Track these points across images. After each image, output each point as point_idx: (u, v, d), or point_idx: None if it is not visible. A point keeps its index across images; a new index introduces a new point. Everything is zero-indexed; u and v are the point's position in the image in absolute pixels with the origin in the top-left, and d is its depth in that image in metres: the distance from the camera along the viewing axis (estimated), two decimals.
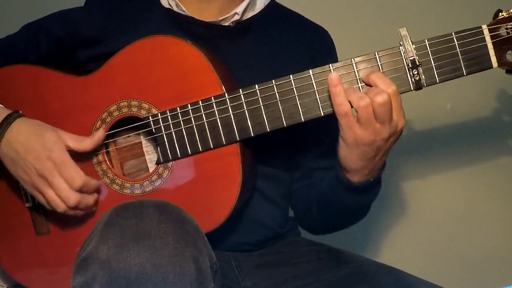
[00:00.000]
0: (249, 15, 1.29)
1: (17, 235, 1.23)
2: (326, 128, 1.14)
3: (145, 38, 1.16)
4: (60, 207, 1.13)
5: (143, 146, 1.22)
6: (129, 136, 1.21)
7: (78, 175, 1.12)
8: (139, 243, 0.92)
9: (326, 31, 1.35)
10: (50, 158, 1.12)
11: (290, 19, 1.34)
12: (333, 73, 1.07)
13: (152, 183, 1.16)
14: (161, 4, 1.27)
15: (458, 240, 1.73)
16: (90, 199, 1.15)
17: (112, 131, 1.19)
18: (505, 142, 1.70)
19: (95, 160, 1.19)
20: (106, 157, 1.19)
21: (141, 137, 1.21)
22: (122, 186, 1.17)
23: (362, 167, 1.11)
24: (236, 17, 1.25)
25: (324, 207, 1.25)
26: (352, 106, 1.06)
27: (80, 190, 1.13)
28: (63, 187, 1.12)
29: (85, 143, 1.16)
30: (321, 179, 1.26)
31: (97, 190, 1.17)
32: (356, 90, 1.06)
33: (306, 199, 1.29)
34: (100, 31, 1.24)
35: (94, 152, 1.18)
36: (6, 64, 1.25)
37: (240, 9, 1.25)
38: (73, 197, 1.12)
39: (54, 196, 1.13)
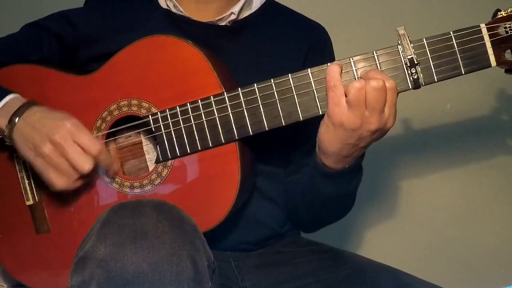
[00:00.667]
0: (245, 14, 1.30)
1: (17, 234, 1.24)
2: (317, 123, 1.13)
3: (145, 38, 1.16)
4: (59, 183, 1.13)
5: (143, 145, 1.22)
6: (129, 136, 1.22)
7: (94, 141, 1.12)
8: (137, 242, 0.92)
9: (322, 27, 1.35)
10: (64, 127, 1.11)
11: (286, 16, 1.35)
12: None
13: (151, 182, 1.16)
14: (159, 5, 1.28)
15: (457, 240, 1.72)
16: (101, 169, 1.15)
17: (112, 130, 1.19)
18: (504, 142, 1.69)
19: None
20: None
21: (141, 136, 1.22)
22: (121, 185, 1.18)
23: (337, 150, 1.09)
24: (233, 17, 1.26)
25: (306, 199, 1.24)
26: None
27: (97, 157, 1.13)
28: (77, 151, 1.11)
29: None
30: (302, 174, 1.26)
31: (111, 165, 1.16)
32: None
33: (293, 194, 1.29)
34: (100, 31, 1.25)
35: None
36: (8, 63, 1.26)
37: (236, 8, 1.26)
38: (88, 162, 1.11)
39: (59, 168, 1.12)
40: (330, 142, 1.09)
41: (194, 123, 1.13)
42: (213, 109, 1.12)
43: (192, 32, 1.24)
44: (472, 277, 1.69)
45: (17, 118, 1.14)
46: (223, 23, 1.27)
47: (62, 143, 1.11)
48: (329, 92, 1.06)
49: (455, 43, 1.06)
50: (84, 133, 1.12)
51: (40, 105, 1.16)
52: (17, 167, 1.23)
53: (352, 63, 1.08)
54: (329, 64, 1.08)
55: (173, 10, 1.27)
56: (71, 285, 0.96)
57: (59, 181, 1.13)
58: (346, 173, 1.14)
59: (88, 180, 1.16)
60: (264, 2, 1.32)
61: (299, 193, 1.25)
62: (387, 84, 1.04)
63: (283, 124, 1.11)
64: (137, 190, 1.17)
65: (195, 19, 1.26)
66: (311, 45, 1.29)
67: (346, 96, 1.05)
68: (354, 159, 1.12)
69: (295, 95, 1.10)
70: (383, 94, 1.03)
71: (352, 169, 1.14)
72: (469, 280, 1.68)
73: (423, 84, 1.08)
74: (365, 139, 1.07)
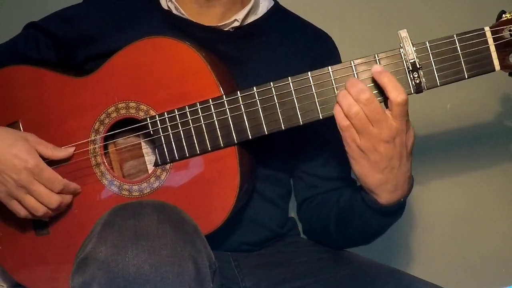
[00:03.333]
0: (251, 19, 1.26)
1: (17, 236, 1.24)
2: (327, 135, 1.12)
3: (143, 39, 1.14)
4: (40, 211, 1.17)
5: (142, 147, 1.21)
6: (129, 138, 1.21)
7: (57, 179, 1.16)
8: (138, 243, 0.92)
9: (329, 37, 1.32)
10: (26, 168, 1.14)
11: (293, 23, 1.31)
12: (342, 91, 1.03)
13: (150, 185, 1.16)
14: (161, 5, 1.26)
15: (458, 241, 1.72)
16: (69, 199, 1.19)
17: (111, 132, 1.18)
18: (505, 143, 1.68)
19: (93, 162, 1.18)
20: (104, 159, 1.19)
21: (141, 138, 1.21)
22: (120, 188, 1.17)
23: (382, 181, 1.05)
24: (236, 24, 1.23)
25: (346, 227, 1.20)
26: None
27: (60, 192, 1.17)
28: (44, 192, 1.15)
29: (56, 153, 1.19)
30: (337, 196, 1.22)
31: (76, 191, 1.20)
32: (346, 95, 1.02)
33: (322, 216, 1.25)
34: (98, 29, 1.23)
35: (93, 154, 1.18)
36: (5, 64, 1.25)
37: (240, 16, 1.23)
38: (54, 200, 1.16)
39: (34, 202, 1.16)
40: (367, 176, 1.05)
41: (193, 127, 1.12)
42: (212, 113, 1.11)
43: (194, 34, 1.21)
44: (472, 277, 1.69)
45: None
46: (226, 29, 1.24)
47: (27, 185, 1.15)
48: (343, 132, 1.03)
49: (458, 47, 1.03)
50: (45, 172, 1.15)
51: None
52: None
53: (353, 67, 1.06)
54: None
55: (174, 11, 1.24)
56: (73, 286, 0.96)
57: (22, 211, 1.18)
58: (400, 206, 1.11)
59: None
60: (271, 8, 1.29)
61: (333, 219, 1.21)
62: (398, 99, 1.00)
63: (283, 128, 1.09)
64: (135, 193, 1.16)
65: (196, 22, 1.23)
66: (318, 55, 1.26)
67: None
68: (404, 186, 1.08)
69: (295, 99, 1.08)
70: (375, 104, 1.01)
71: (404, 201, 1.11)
72: (469, 280, 1.68)
73: (425, 88, 1.05)
74: (392, 154, 1.03)
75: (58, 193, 1.17)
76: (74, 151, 1.19)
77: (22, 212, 1.18)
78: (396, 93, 1.00)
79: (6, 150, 1.15)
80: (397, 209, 1.11)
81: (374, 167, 1.04)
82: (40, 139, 1.19)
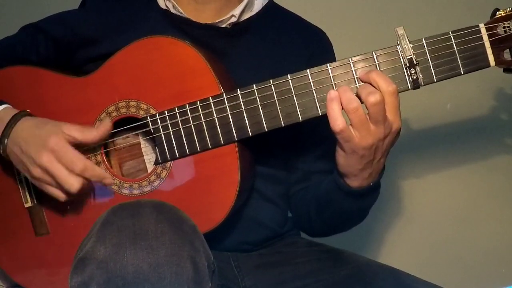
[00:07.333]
0: (246, 16, 1.28)
1: (16, 236, 1.24)
2: (323, 131, 1.13)
3: (143, 39, 1.16)
4: (60, 196, 1.13)
5: (141, 146, 1.22)
6: (128, 137, 1.22)
7: (78, 159, 1.10)
8: (136, 243, 0.92)
9: (324, 33, 1.34)
10: (47, 148, 1.10)
11: (288, 20, 1.33)
12: (332, 90, 1.06)
13: (150, 184, 1.16)
14: (159, 5, 1.27)
15: (457, 240, 1.73)
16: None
17: (111, 131, 1.18)
18: (504, 141, 1.69)
19: (93, 161, 1.19)
20: (104, 158, 1.19)
21: (140, 137, 1.22)
22: (120, 187, 1.18)
23: (360, 171, 1.10)
24: (233, 19, 1.25)
25: (323, 211, 1.24)
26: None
27: (82, 175, 1.11)
28: (63, 173, 1.10)
29: (90, 133, 1.13)
30: (318, 183, 1.26)
31: (102, 179, 1.12)
32: (347, 90, 1.05)
33: (304, 203, 1.28)
34: (98, 32, 1.24)
35: (93, 152, 1.19)
36: (5, 65, 1.25)
37: (237, 11, 1.25)
38: (75, 182, 1.10)
39: (54, 186, 1.12)
40: (350, 166, 1.10)
41: (193, 124, 1.13)
42: (212, 110, 1.12)
43: (192, 33, 1.23)
44: (472, 277, 1.69)
45: (6, 139, 1.15)
46: (223, 25, 1.26)
47: (48, 166, 1.10)
48: (336, 135, 1.06)
49: (454, 43, 1.06)
50: (67, 151, 1.10)
51: (26, 119, 1.16)
52: (15, 169, 1.22)
53: (352, 64, 1.08)
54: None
55: (172, 10, 1.26)
56: (71, 286, 0.96)
57: (59, 194, 1.13)
58: (370, 190, 1.15)
59: (88, 188, 1.15)
60: (266, 4, 1.31)
61: (313, 204, 1.25)
62: (389, 89, 1.03)
63: (282, 125, 1.11)
64: (136, 192, 1.17)
65: (194, 20, 1.25)
66: (314, 52, 1.28)
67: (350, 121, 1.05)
68: (376, 174, 1.13)
69: (294, 96, 1.10)
70: (382, 105, 1.03)
71: (376, 185, 1.15)
72: (469, 280, 1.69)
73: (422, 84, 1.07)
74: (379, 149, 1.08)
75: (80, 175, 1.10)
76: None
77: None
78: (387, 83, 1.04)
79: (34, 133, 1.12)
80: (367, 191, 1.14)
81: (360, 160, 1.08)
82: (71, 124, 1.14)
